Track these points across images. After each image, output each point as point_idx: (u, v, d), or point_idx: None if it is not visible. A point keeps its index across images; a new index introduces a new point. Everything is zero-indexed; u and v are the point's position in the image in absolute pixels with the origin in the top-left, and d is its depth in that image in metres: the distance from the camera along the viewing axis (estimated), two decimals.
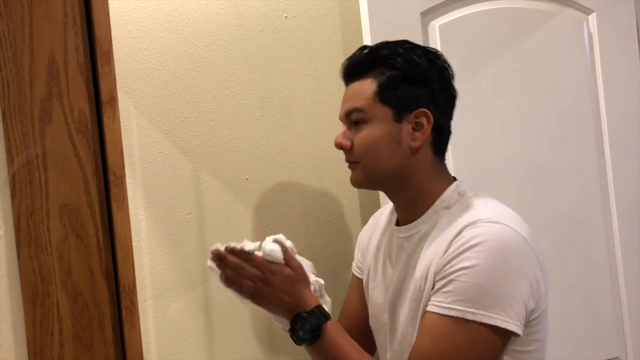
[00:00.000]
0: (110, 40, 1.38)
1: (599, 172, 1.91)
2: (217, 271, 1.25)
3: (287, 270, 1.22)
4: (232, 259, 1.22)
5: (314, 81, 1.74)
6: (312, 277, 1.27)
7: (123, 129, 1.48)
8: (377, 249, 1.39)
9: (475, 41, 1.79)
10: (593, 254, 1.90)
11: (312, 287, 1.26)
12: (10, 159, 1.31)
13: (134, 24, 1.56)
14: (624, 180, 1.93)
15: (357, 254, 1.49)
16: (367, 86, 1.26)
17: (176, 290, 1.59)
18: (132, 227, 1.47)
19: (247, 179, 1.67)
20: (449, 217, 1.23)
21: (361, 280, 1.44)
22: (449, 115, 1.30)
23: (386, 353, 1.33)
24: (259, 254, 1.23)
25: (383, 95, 1.24)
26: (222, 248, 1.23)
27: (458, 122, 1.75)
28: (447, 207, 1.24)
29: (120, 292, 1.37)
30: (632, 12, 1.99)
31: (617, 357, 1.92)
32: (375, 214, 1.50)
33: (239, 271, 1.22)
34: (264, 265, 1.21)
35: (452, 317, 1.12)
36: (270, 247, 1.22)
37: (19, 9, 1.32)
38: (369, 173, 1.28)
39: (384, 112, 1.25)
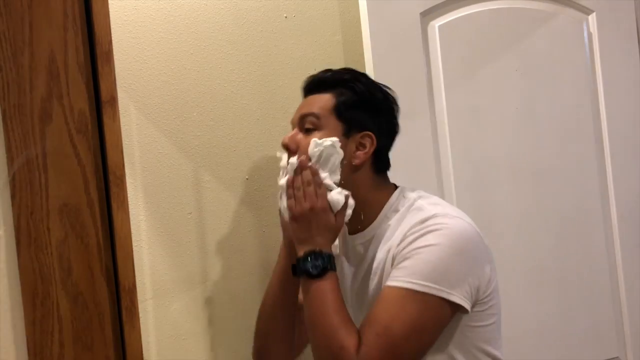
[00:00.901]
0: (110, 40, 1.38)
1: (599, 172, 1.91)
2: (289, 172, 1.33)
3: (334, 218, 1.31)
4: (309, 173, 1.31)
5: None
6: (336, 242, 1.35)
7: (123, 129, 1.48)
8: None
9: (475, 41, 1.79)
10: (593, 254, 1.90)
11: (333, 248, 1.34)
12: (10, 159, 1.31)
13: (134, 24, 1.56)
14: (624, 180, 1.93)
15: None
16: (326, 99, 1.38)
17: (176, 290, 1.59)
18: (132, 227, 1.47)
19: (247, 179, 1.67)
20: (398, 219, 1.35)
21: None
22: (388, 146, 1.42)
23: None
24: (327, 192, 1.31)
25: (339, 110, 1.36)
26: (310, 164, 1.32)
27: (458, 122, 1.76)
28: (396, 210, 1.36)
29: (120, 292, 1.37)
30: (632, 12, 1.99)
31: (617, 357, 1.92)
32: None
33: (305, 185, 1.31)
34: (325, 199, 1.30)
35: (404, 288, 1.23)
36: (337, 196, 1.31)
37: (19, 9, 1.32)
38: None
39: (336, 125, 1.36)
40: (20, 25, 1.32)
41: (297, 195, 1.31)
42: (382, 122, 1.39)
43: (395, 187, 1.41)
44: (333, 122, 1.36)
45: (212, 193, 1.63)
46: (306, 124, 1.37)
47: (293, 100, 1.72)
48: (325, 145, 1.33)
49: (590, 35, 1.92)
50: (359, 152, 1.36)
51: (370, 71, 1.65)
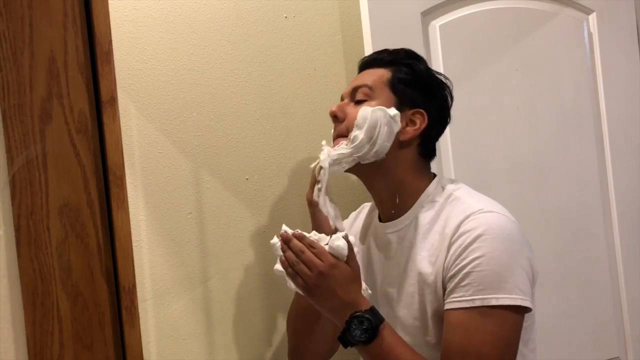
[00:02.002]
0: (110, 40, 1.38)
1: (599, 172, 1.91)
2: (279, 252, 1.23)
3: (346, 266, 1.20)
4: (297, 243, 1.20)
5: (314, 81, 1.74)
6: (364, 284, 1.26)
7: (123, 129, 1.48)
8: (360, 243, 1.43)
9: (475, 41, 1.79)
10: (593, 254, 1.90)
11: (363, 293, 1.25)
12: (10, 159, 1.31)
13: (134, 24, 1.56)
14: (624, 180, 1.93)
15: None
16: (382, 72, 1.34)
17: (176, 290, 1.59)
18: (132, 227, 1.47)
19: (247, 179, 1.67)
20: (436, 210, 1.29)
21: None
22: (439, 132, 1.38)
23: None
24: (324, 244, 1.21)
25: (394, 84, 1.32)
26: (290, 231, 1.22)
27: (458, 122, 1.76)
28: (433, 201, 1.31)
29: (120, 292, 1.37)
30: (632, 12, 1.99)
31: (617, 357, 1.92)
32: (353, 213, 1.54)
33: (300, 256, 1.19)
34: (327, 255, 1.19)
35: (477, 307, 1.16)
36: (337, 242, 1.20)
37: (19, 9, 1.32)
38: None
39: (389, 97, 1.32)
40: (20, 25, 1.32)
41: (299, 269, 1.19)
42: (435, 106, 1.35)
43: (434, 175, 1.37)
44: (386, 94, 1.32)
45: (212, 193, 1.63)
46: (358, 95, 1.33)
47: (293, 100, 1.72)
48: (377, 112, 1.28)
49: (590, 35, 1.92)
50: (408, 128, 1.32)
51: None
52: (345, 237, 1.21)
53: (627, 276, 1.93)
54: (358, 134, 1.29)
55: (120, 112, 1.42)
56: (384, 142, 1.29)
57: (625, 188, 1.93)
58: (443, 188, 1.32)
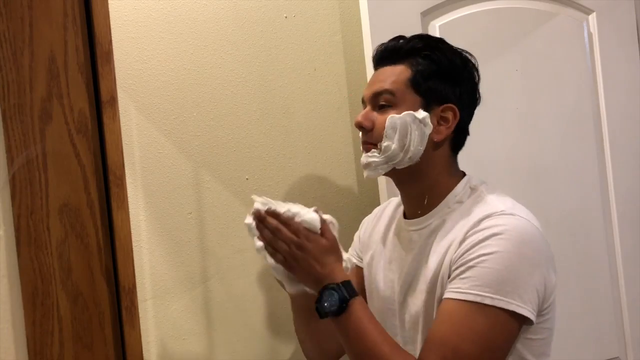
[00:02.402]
0: (110, 40, 1.38)
1: (599, 172, 1.91)
2: (255, 232, 1.24)
3: (323, 240, 1.21)
4: (271, 220, 1.21)
5: (314, 81, 1.74)
6: (345, 255, 1.27)
7: (123, 129, 1.48)
8: (382, 241, 1.39)
9: (475, 41, 1.79)
10: (593, 254, 1.89)
11: (343, 264, 1.25)
12: (10, 159, 1.31)
13: (134, 24, 1.56)
14: (624, 180, 1.93)
15: (356, 243, 1.49)
16: (401, 72, 1.26)
17: (176, 290, 1.59)
18: (132, 227, 1.48)
19: (247, 179, 1.67)
20: (461, 211, 1.24)
21: (360, 268, 1.44)
22: (470, 117, 1.31)
23: (396, 337, 1.33)
24: (298, 220, 1.22)
25: (416, 83, 1.25)
26: (263, 208, 1.22)
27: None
28: (460, 202, 1.26)
29: (120, 292, 1.38)
30: (632, 12, 1.99)
31: (617, 357, 1.92)
32: (379, 207, 1.50)
33: (276, 233, 1.20)
34: (301, 230, 1.20)
35: (470, 302, 1.12)
36: (309, 215, 1.21)
37: (19, 9, 1.32)
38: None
39: (414, 99, 1.25)
40: (20, 25, 1.32)
41: (277, 246, 1.20)
42: (464, 92, 1.27)
43: (463, 174, 1.31)
44: (411, 97, 1.24)
45: (212, 193, 1.63)
46: (380, 101, 1.26)
47: (293, 100, 1.72)
48: (406, 119, 1.23)
49: (590, 35, 1.92)
50: (441, 127, 1.25)
51: (370, 71, 1.65)
52: (316, 210, 1.22)
53: (627, 276, 1.93)
54: (389, 144, 1.24)
55: (120, 112, 1.42)
56: (417, 147, 1.24)
57: (625, 188, 1.93)
58: (471, 189, 1.27)
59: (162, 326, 1.57)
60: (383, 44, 1.32)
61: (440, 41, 1.31)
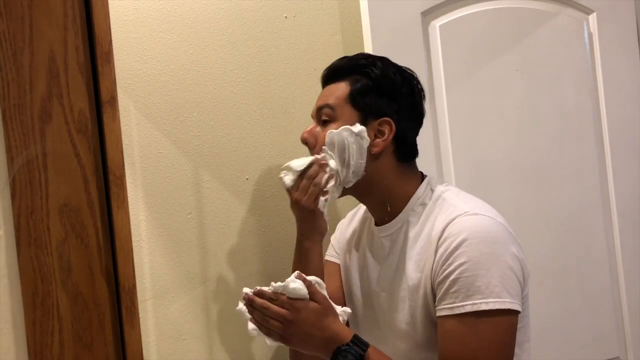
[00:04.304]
0: (110, 40, 1.38)
1: (599, 172, 1.91)
2: (248, 315, 1.23)
3: (313, 304, 1.20)
4: (258, 300, 1.20)
5: (314, 81, 1.74)
6: (339, 309, 1.25)
7: (123, 129, 1.48)
8: (355, 245, 1.44)
9: (475, 41, 1.79)
10: (593, 254, 1.89)
11: (340, 318, 1.24)
12: (10, 159, 1.31)
13: (134, 24, 1.56)
14: (624, 180, 1.93)
15: (333, 242, 1.52)
16: (341, 88, 1.33)
17: (176, 290, 1.59)
18: (132, 227, 1.48)
19: (247, 179, 1.67)
20: (426, 213, 1.29)
21: (338, 265, 1.47)
22: (413, 130, 1.35)
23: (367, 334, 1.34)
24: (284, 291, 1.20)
25: (353, 99, 1.31)
26: (250, 291, 1.22)
27: (458, 122, 1.76)
28: (423, 204, 1.31)
29: (120, 292, 1.38)
30: (632, 12, 1.99)
31: (617, 357, 1.92)
32: (352, 211, 1.54)
33: (265, 313, 1.20)
34: (288, 303, 1.19)
35: (468, 313, 1.16)
36: (292, 285, 1.19)
37: (19, 9, 1.32)
38: None
39: (351, 114, 1.31)
40: (20, 25, 1.32)
41: (270, 325, 1.20)
42: (402, 106, 1.32)
43: (423, 176, 1.36)
44: (348, 111, 1.31)
45: (212, 193, 1.63)
46: (322, 116, 1.33)
47: (293, 100, 1.72)
48: (342, 134, 1.29)
49: (590, 35, 1.92)
50: (377, 140, 1.30)
51: None
52: (298, 276, 1.20)
53: (627, 276, 1.93)
54: (332, 164, 1.31)
55: (120, 112, 1.42)
56: (357, 160, 1.29)
57: (625, 188, 1.93)
58: (432, 190, 1.32)
59: (162, 326, 1.57)
60: (329, 65, 1.39)
61: (380, 59, 1.36)
